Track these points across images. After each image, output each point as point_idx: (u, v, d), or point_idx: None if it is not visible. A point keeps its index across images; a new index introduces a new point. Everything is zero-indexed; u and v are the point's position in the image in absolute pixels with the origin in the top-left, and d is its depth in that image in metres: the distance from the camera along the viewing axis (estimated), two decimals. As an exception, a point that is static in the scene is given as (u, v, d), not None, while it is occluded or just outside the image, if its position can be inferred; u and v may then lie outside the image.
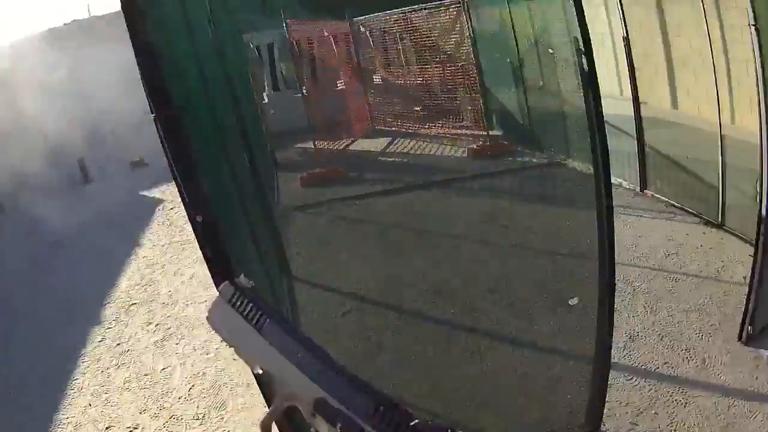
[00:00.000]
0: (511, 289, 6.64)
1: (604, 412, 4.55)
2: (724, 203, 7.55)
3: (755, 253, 5.42)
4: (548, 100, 10.78)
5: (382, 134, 14.20)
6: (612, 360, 5.33)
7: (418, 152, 12.76)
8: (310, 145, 12.96)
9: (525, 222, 8.40)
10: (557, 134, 10.73)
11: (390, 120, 14.26)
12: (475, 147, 11.62)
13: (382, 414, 0.54)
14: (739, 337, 5.66)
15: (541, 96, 11.05)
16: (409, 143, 13.39)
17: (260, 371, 0.63)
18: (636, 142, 8.85)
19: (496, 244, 7.84)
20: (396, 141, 13.66)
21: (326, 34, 13.76)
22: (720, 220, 7.65)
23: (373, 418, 0.54)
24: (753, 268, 5.46)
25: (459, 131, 12.71)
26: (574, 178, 9.61)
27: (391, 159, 12.89)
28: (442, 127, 13.10)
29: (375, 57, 14.62)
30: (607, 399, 4.58)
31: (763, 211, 5.25)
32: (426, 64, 13.37)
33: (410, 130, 13.77)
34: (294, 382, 0.57)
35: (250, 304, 0.69)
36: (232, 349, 0.71)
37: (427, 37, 12.98)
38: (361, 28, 14.35)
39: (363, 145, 13.78)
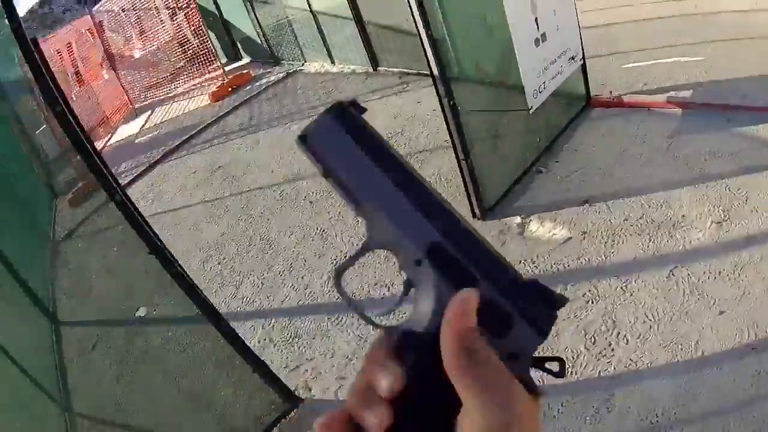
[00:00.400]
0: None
1: (309, 373, 3.51)
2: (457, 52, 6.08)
3: (445, 118, 3.91)
4: (273, 12, 9.38)
5: (142, 111, 12.02)
6: (315, 303, 4.09)
7: (171, 116, 10.59)
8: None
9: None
10: (289, 42, 9.31)
11: (146, 93, 12.17)
12: (215, 90, 9.64)
13: (503, 270, 0.42)
14: (473, 214, 4.13)
15: (268, 9, 9.45)
16: (164, 109, 11.27)
17: (361, 202, 0.45)
18: (355, 23, 7.39)
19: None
20: (153, 113, 11.55)
21: (83, 31, 11.76)
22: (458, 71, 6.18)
23: (494, 273, 0.42)
24: (449, 130, 3.93)
25: (201, 78, 10.80)
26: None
27: (147, 135, 10.75)
28: (186, 81, 11.14)
29: (126, 34, 12.48)
30: (310, 356, 3.60)
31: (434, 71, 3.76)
32: (163, 22, 11.45)
33: (163, 96, 11.69)
34: (401, 220, 0.43)
35: (360, 129, 0.46)
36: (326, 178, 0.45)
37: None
38: (107, 12, 12.28)
39: (123, 132, 11.56)
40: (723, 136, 4.03)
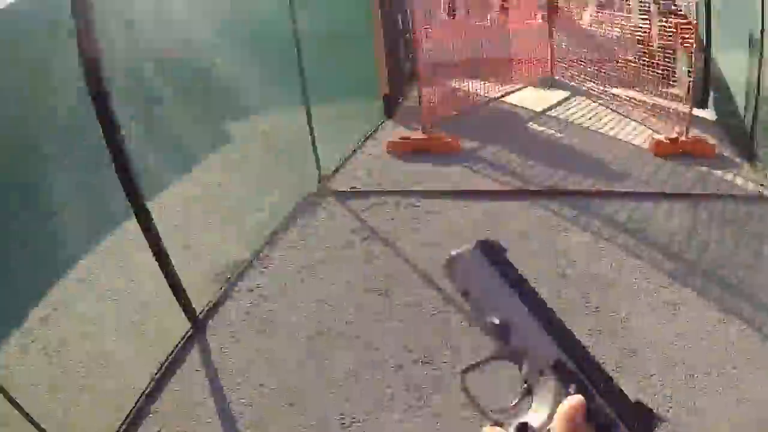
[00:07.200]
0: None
1: None
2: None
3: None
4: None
5: (558, 86, 9.99)
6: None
7: (589, 125, 8.20)
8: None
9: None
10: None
11: (572, 71, 9.98)
12: (662, 140, 7.12)
13: (613, 387, 0.55)
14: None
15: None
16: (587, 105, 9.07)
17: (495, 321, 0.61)
18: None
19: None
20: (572, 99, 9.38)
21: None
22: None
23: (605, 388, 0.54)
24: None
25: (645, 97, 8.23)
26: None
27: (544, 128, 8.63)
28: (626, 88, 8.71)
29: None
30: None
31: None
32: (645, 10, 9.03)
33: (594, 89, 9.40)
34: (533, 339, 0.56)
35: (503, 264, 0.63)
36: (463, 297, 0.63)
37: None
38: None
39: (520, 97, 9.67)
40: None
